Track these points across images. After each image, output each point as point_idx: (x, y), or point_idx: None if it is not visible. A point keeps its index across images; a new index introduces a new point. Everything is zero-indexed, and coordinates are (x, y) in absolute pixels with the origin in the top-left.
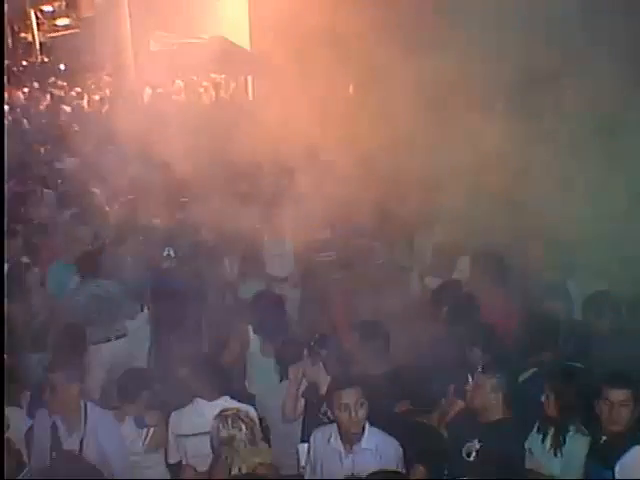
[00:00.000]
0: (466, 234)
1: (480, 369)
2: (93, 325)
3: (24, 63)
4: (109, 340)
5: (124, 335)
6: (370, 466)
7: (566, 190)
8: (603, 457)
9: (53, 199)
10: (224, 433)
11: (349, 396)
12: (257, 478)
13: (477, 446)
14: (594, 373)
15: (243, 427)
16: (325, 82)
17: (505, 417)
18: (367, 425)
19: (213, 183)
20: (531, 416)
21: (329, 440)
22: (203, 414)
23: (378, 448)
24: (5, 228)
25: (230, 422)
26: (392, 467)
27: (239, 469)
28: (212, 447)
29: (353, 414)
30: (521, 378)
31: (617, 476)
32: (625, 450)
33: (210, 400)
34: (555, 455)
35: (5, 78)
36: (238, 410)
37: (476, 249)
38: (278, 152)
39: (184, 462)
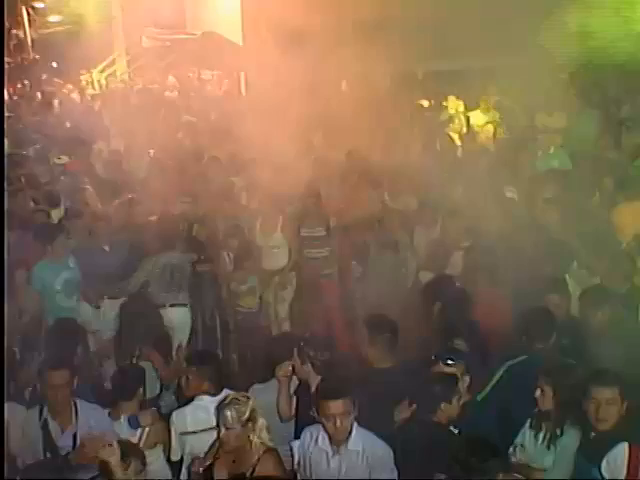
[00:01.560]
0: (462, 229)
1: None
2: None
3: (12, 60)
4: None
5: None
6: (356, 468)
7: None
8: (590, 453)
9: (44, 196)
10: (245, 408)
11: (336, 407)
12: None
13: (455, 431)
14: (585, 368)
15: (253, 404)
16: (318, 78)
17: (468, 399)
18: (355, 425)
19: (206, 178)
20: (518, 401)
21: (317, 440)
22: (207, 409)
23: (365, 450)
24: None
25: (245, 399)
26: (379, 469)
27: (255, 445)
28: (222, 431)
29: (338, 424)
30: (510, 363)
31: (603, 472)
32: (612, 447)
33: (213, 395)
34: (548, 448)
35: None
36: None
37: (469, 244)
38: (272, 148)
39: (185, 459)
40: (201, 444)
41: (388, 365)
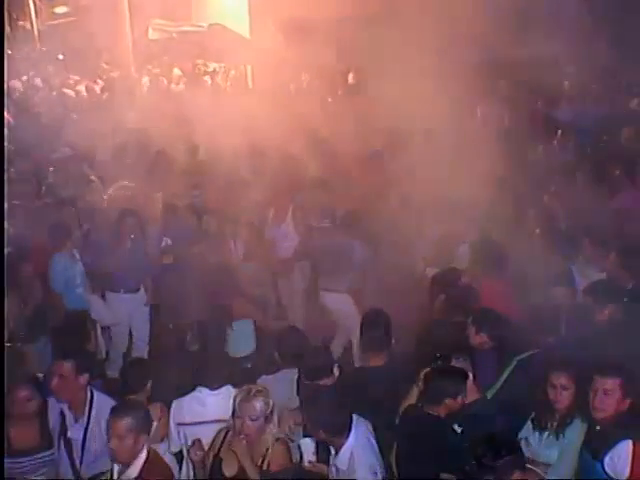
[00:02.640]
0: (467, 223)
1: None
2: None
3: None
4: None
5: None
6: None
7: None
8: (594, 448)
9: (49, 188)
10: (269, 400)
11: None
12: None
13: (458, 430)
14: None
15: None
16: (325, 70)
17: (477, 398)
18: (350, 439)
19: (216, 170)
20: (522, 395)
21: None
22: (205, 403)
23: (349, 467)
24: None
25: (266, 391)
26: None
27: (266, 437)
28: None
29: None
30: (518, 358)
31: (606, 468)
32: (616, 443)
33: (213, 389)
34: (557, 439)
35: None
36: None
37: (475, 237)
38: (280, 139)
39: (184, 451)
40: (193, 436)
41: (382, 362)
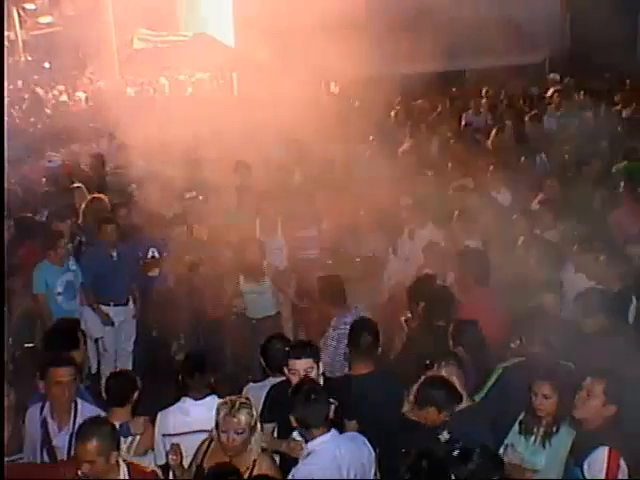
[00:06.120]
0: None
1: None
2: None
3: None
4: None
5: None
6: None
7: None
8: (576, 454)
9: (36, 197)
10: (253, 412)
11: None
12: None
13: (447, 436)
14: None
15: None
16: (309, 79)
17: (469, 405)
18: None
19: (203, 180)
20: (507, 403)
21: None
22: (189, 413)
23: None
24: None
25: (249, 403)
26: None
27: (250, 449)
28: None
29: None
30: (503, 365)
31: (585, 474)
32: (594, 449)
33: (197, 399)
34: (543, 446)
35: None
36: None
37: (462, 246)
38: (263, 148)
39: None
40: (182, 448)
41: (368, 371)
